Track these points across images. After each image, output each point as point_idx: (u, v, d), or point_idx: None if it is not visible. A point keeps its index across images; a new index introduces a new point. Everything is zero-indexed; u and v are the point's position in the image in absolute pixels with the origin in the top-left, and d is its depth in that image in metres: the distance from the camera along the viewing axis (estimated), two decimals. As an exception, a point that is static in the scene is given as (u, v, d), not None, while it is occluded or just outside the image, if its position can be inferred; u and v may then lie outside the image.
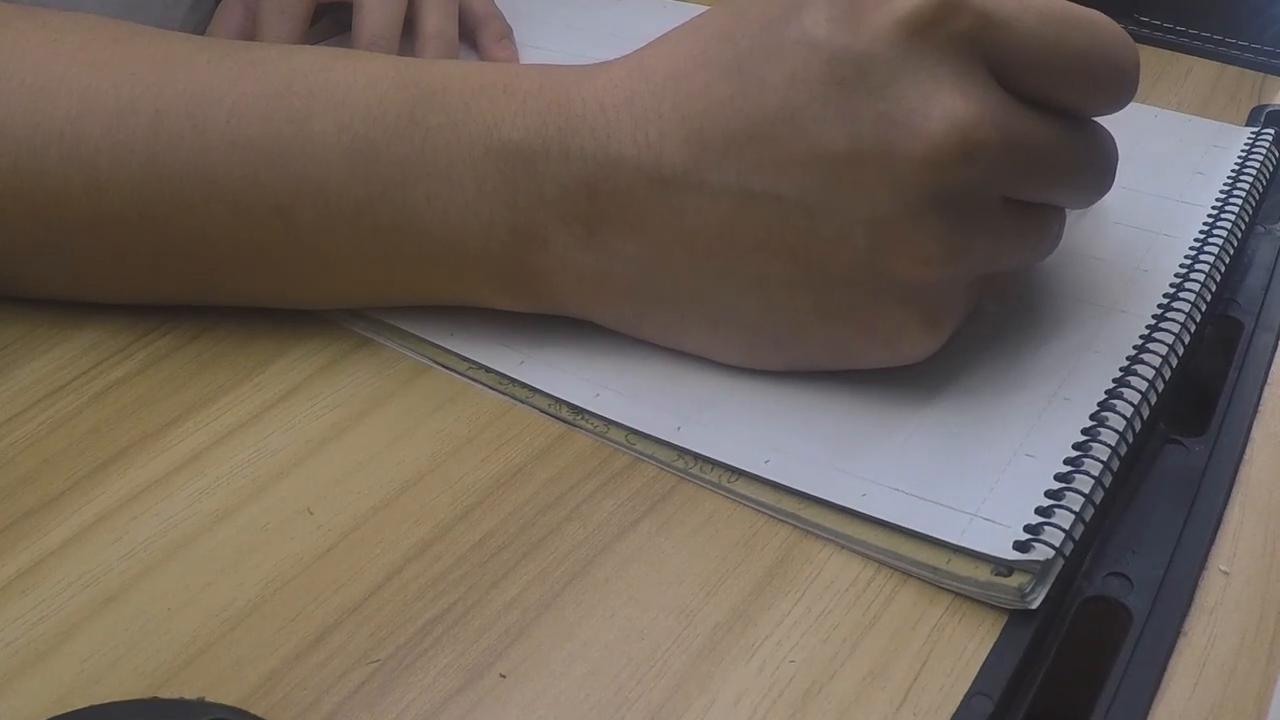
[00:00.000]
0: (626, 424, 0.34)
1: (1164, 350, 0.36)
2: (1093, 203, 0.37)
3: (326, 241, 0.35)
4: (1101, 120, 0.35)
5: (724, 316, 0.35)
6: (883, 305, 0.33)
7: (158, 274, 0.37)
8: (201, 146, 0.35)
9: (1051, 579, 0.30)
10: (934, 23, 0.31)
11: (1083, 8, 0.33)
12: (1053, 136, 0.33)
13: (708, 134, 0.33)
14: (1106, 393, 0.34)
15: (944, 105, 0.31)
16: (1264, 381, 0.37)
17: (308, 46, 0.38)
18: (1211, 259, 0.40)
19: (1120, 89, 0.34)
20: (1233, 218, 0.42)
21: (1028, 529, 0.30)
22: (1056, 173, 0.34)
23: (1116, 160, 0.36)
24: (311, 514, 0.32)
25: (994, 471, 0.32)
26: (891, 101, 0.31)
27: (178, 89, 0.35)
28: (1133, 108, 0.34)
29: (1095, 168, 0.36)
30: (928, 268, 0.32)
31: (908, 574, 0.31)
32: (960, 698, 0.28)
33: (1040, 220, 0.35)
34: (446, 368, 0.37)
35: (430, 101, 0.35)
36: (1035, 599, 0.29)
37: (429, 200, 0.35)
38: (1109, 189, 0.36)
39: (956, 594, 0.30)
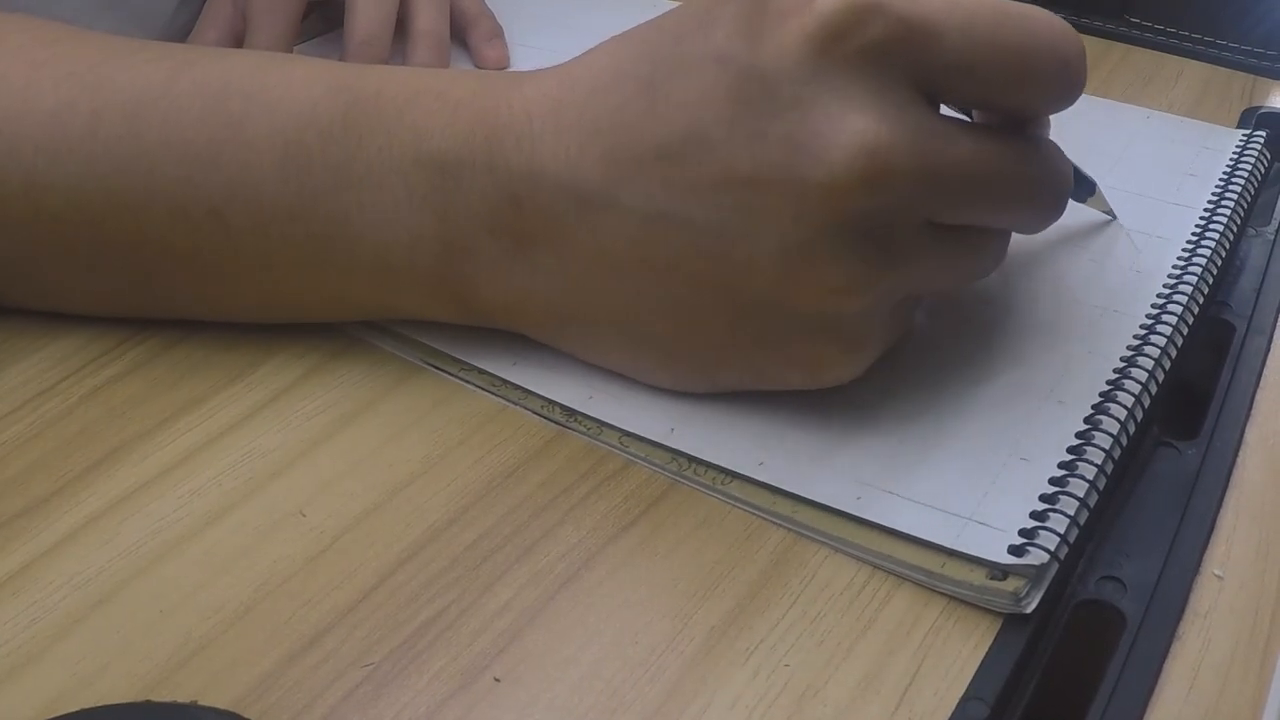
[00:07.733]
0: (619, 426, 0.34)
1: (1157, 353, 0.36)
2: (1042, 228, 0.35)
3: (261, 247, 0.35)
4: (1093, 120, 0.34)
5: (643, 339, 0.34)
6: (798, 333, 0.32)
7: (97, 278, 0.37)
8: (138, 148, 0.34)
9: (1046, 583, 0.30)
10: (844, 35, 0.29)
11: (1015, 1, 0.30)
12: (985, 157, 0.31)
13: (621, 151, 0.32)
14: (1101, 395, 0.34)
15: (851, 128, 0.29)
16: (1256, 385, 0.37)
17: (243, 50, 0.37)
18: (1205, 260, 0.40)
19: (1066, 84, 0.32)
20: (1225, 219, 0.42)
21: (1022, 533, 0.30)
22: (989, 197, 0.32)
23: (1068, 182, 0.34)
24: (304, 516, 0.32)
25: (988, 475, 0.32)
26: (796, 123, 0.29)
27: (115, 89, 0.35)
28: (1124, 109, 0.34)
29: (1038, 191, 0.33)
30: (839, 299, 0.31)
31: (902, 578, 0.31)
32: (955, 702, 0.28)
33: (975, 242, 0.33)
34: (439, 368, 0.37)
35: (363, 108, 0.34)
36: (1030, 603, 0.30)
37: (360, 208, 0.34)
38: (1059, 214, 0.34)
39: (951, 598, 0.30)
